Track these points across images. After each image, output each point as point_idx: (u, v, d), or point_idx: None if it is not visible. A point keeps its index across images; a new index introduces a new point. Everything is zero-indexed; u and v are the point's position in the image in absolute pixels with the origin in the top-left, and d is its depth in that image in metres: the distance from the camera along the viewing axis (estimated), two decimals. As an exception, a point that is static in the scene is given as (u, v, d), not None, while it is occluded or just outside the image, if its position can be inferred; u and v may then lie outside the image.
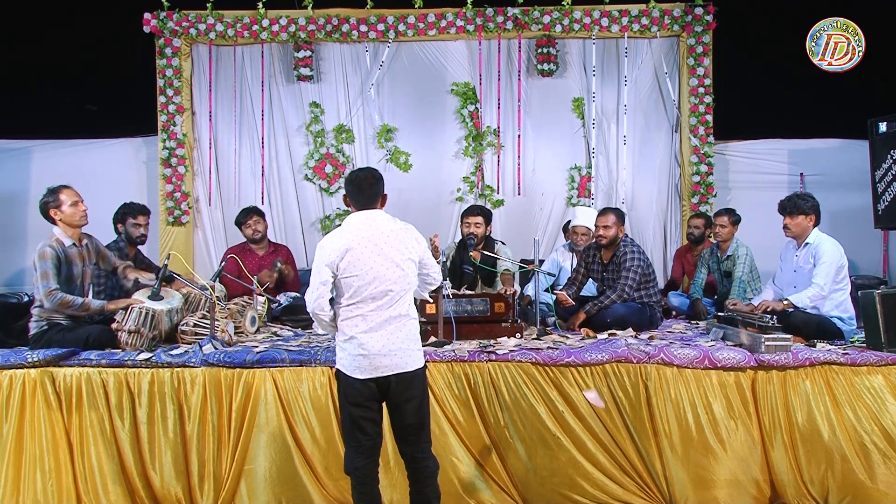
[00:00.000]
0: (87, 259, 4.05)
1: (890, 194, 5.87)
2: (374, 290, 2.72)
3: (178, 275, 4.47)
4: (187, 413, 3.53)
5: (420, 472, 2.84)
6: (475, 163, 6.76)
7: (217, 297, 4.11)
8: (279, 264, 5.25)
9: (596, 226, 4.77)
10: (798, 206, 4.26)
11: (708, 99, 6.55)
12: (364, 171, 2.89)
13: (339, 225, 7.23)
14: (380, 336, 2.72)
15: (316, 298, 2.76)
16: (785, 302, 4.15)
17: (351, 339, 2.74)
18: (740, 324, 3.92)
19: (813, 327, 4.02)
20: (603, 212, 4.77)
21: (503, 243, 5.20)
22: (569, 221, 5.79)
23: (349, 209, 2.92)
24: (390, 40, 6.66)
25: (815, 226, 4.29)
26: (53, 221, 3.92)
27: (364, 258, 2.72)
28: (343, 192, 6.60)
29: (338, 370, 2.82)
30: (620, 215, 4.73)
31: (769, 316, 3.77)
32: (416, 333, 2.85)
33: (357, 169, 2.97)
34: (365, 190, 2.83)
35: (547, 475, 3.48)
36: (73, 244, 3.95)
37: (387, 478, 3.40)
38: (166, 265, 4.20)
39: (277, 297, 5.11)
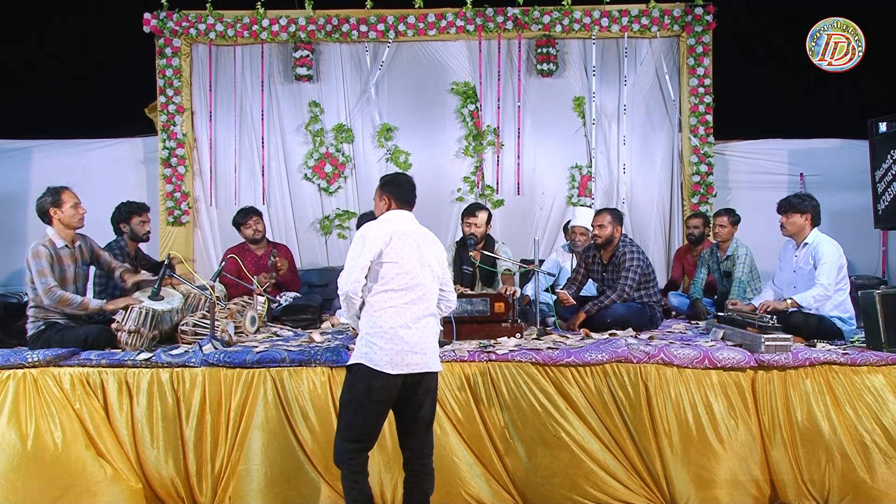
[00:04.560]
0: (80, 260, 4.04)
1: (890, 194, 5.87)
2: (408, 281, 2.84)
3: (179, 274, 4.47)
4: (187, 413, 3.52)
5: (423, 468, 2.94)
6: (475, 162, 6.76)
7: (217, 297, 4.10)
8: (272, 257, 5.22)
9: (592, 225, 4.78)
10: (793, 205, 4.30)
11: (708, 99, 6.55)
12: (406, 176, 3.18)
13: (339, 225, 7.25)
14: (414, 332, 2.82)
15: (353, 282, 2.84)
16: (788, 301, 4.15)
17: (384, 332, 2.78)
18: (740, 324, 3.92)
19: (813, 327, 4.02)
20: (599, 212, 4.80)
21: (503, 243, 5.19)
22: (569, 221, 5.79)
23: (363, 211, 3.00)
24: (390, 40, 6.66)
25: (813, 226, 4.31)
26: (49, 221, 3.91)
27: (405, 248, 2.88)
28: (342, 189, 6.69)
29: (361, 364, 2.80)
30: (617, 215, 4.73)
31: (769, 316, 3.77)
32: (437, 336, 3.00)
33: (399, 172, 3.32)
34: (406, 192, 3.08)
35: (547, 475, 3.48)
36: (66, 245, 3.95)
37: (389, 475, 3.41)
38: (166, 265, 4.19)
39: (277, 297, 5.11)
